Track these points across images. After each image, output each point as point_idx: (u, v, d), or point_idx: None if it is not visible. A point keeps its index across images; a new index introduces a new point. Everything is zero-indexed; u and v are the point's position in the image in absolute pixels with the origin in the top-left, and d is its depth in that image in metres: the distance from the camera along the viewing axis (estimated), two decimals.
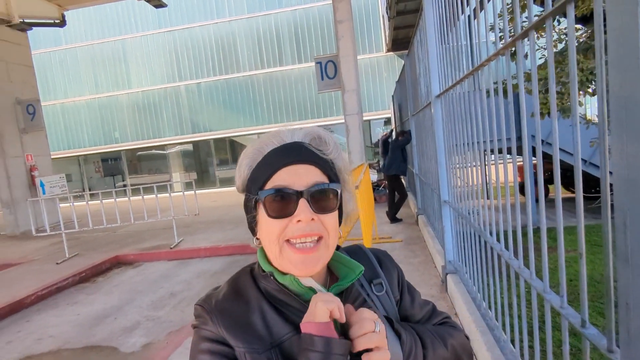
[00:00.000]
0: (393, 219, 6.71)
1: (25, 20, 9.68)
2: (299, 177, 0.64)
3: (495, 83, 2.40)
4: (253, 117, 16.24)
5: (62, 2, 10.40)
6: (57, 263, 6.33)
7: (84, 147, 17.44)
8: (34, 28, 10.35)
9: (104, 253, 6.64)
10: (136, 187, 7.33)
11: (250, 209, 0.68)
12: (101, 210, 6.59)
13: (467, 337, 0.80)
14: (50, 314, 4.45)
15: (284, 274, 0.66)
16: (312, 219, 0.63)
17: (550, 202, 6.79)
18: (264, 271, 0.69)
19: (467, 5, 2.32)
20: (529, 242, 1.59)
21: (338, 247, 0.76)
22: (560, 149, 6.61)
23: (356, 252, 0.79)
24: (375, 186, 9.08)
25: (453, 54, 2.79)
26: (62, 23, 10.75)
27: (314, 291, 0.66)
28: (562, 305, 1.35)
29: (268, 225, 0.65)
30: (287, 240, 0.64)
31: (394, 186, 6.78)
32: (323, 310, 0.57)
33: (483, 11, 2.14)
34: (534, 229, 1.55)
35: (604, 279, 1.01)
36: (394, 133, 8.10)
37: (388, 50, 14.88)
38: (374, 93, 15.44)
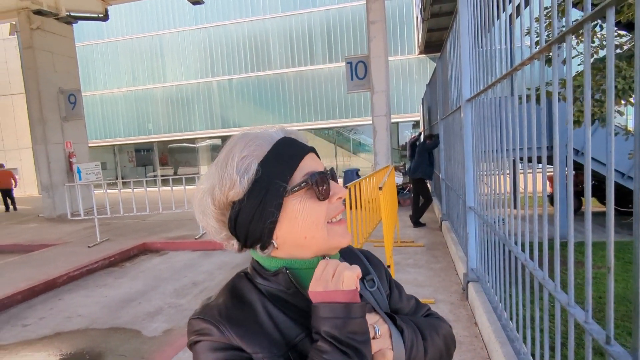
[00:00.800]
0: (416, 223, 6.63)
1: (72, 14, 10.14)
2: (317, 163, 0.67)
3: (528, 89, 2.34)
4: (282, 115, 16.41)
5: None
6: (88, 246, 6.62)
7: (119, 137, 18.12)
8: (79, 21, 10.86)
9: (133, 240, 6.89)
10: (166, 178, 7.56)
11: (271, 207, 0.61)
12: (132, 199, 6.84)
13: (450, 326, 0.81)
14: (81, 294, 4.67)
15: (303, 262, 0.66)
16: None
17: (582, 216, 6.53)
18: (267, 271, 0.66)
19: (504, 10, 2.27)
20: (555, 254, 1.55)
21: None
22: (596, 161, 6.35)
23: (346, 251, 0.80)
24: (400, 189, 8.99)
25: (486, 57, 2.73)
26: (105, 17, 11.21)
27: None
28: (587, 320, 1.30)
29: (315, 211, 0.63)
30: (328, 221, 0.65)
31: (419, 190, 6.70)
32: (351, 277, 0.59)
33: (520, 16, 2.09)
34: (563, 242, 1.51)
35: (633, 296, 0.98)
36: (422, 136, 7.99)
37: (420, 53, 14.68)
38: (403, 95, 15.28)
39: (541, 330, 1.87)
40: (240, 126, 16.82)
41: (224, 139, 17.37)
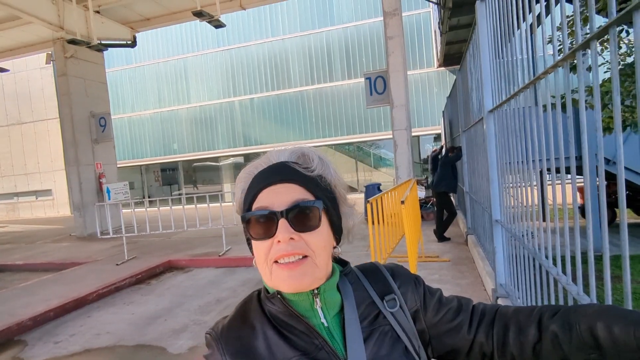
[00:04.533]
0: (441, 237, 6.49)
1: (102, 42, 10.66)
2: (278, 196, 0.63)
3: (553, 97, 2.28)
4: (302, 131, 16.58)
5: (135, 25, 11.39)
6: (117, 264, 6.78)
7: (145, 157, 18.72)
8: (109, 48, 11.40)
9: (159, 257, 7.02)
10: (190, 196, 7.73)
11: (245, 231, 0.67)
12: (158, 217, 6.99)
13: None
14: (109, 312, 4.76)
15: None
16: (292, 238, 0.62)
17: (616, 227, 6.23)
18: (268, 293, 0.69)
19: (524, 20, 2.24)
20: (589, 268, 1.47)
21: (346, 265, 0.75)
22: (630, 170, 6.09)
23: (369, 269, 0.77)
24: (423, 203, 8.86)
25: (507, 67, 2.69)
26: (133, 44, 11.73)
27: (316, 313, 0.67)
28: None
29: (256, 247, 0.65)
30: (275, 261, 0.63)
31: (443, 203, 6.58)
32: None
33: (541, 25, 2.07)
34: (597, 256, 1.44)
35: None
36: (444, 149, 7.89)
37: (439, 66, 14.64)
38: (423, 108, 15.20)
39: None
40: (261, 144, 17.08)
41: (246, 157, 17.66)
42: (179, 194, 18.14)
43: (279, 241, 0.62)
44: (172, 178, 19.01)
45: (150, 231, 7.12)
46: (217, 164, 18.19)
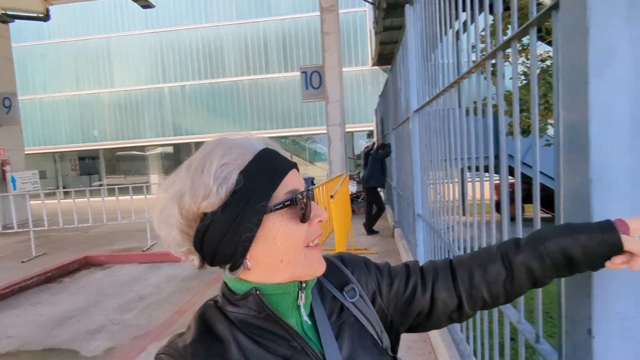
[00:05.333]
0: (370, 230, 6.75)
1: (8, 12, 9.45)
2: (300, 180, 0.61)
3: (475, 102, 2.47)
4: (237, 122, 16.19)
5: None
6: (22, 261, 6.10)
7: (60, 144, 16.99)
8: (16, 20, 10.13)
9: (73, 253, 6.44)
10: (111, 187, 7.19)
11: (249, 223, 0.55)
12: (73, 209, 6.40)
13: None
14: (12, 314, 4.28)
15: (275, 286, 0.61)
16: None
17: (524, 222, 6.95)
18: (235, 295, 0.61)
19: (450, 27, 2.39)
20: None
21: None
22: (544, 174, 6.81)
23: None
24: (355, 197, 9.14)
25: (431, 70, 2.86)
26: (46, 17, 10.54)
27: (298, 309, 0.63)
28: (520, 320, 1.38)
29: (292, 234, 0.58)
30: (306, 245, 0.60)
31: (372, 198, 6.84)
32: None
33: (466, 32, 2.22)
34: None
35: (557, 297, 1.05)
36: (375, 145, 8.19)
37: (374, 64, 15.12)
38: (358, 105, 15.63)
39: (482, 332, 1.96)
40: (193, 134, 16.37)
41: (176, 147, 16.83)
42: (100, 185, 16.76)
43: (320, 220, 0.61)
44: (92, 167, 17.48)
45: (64, 225, 6.50)
46: (144, 153, 17.09)
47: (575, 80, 0.84)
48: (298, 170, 0.63)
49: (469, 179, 2.07)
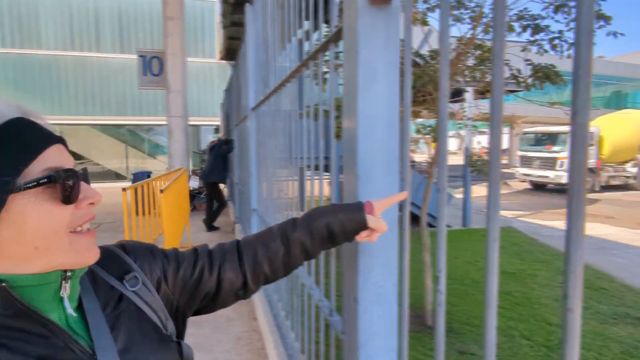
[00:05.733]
0: (210, 227, 6.62)
1: None
2: (66, 157, 0.55)
3: (309, 107, 2.67)
4: (57, 105, 13.72)
5: None
6: None
7: None
8: None
9: None
10: None
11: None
12: None
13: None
14: None
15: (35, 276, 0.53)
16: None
17: None
18: None
19: (280, 30, 2.53)
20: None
21: None
22: None
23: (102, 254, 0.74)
24: (197, 193, 8.81)
25: (264, 71, 2.98)
26: None
27: (61, 301, 0.56)
28: (320, 298, 1.58)
29: (51, 218, 0.51)
30: (72, 231, 0.54)
31: (213, 194, 6.73)
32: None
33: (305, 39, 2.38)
34: None
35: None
36: (220, 141, 8.06)
37: (222, 58, 14.81)
38: (205, 98, 15.10)
39: (298, 312, 2.16)
40: None
41: None
42: None
43: (91, 203, 0.55)
44: None
45: None
46: None
47: (350, 93, 1.02)
48: (67, 146, 0.57)
49: (295, 178, 2.25)
